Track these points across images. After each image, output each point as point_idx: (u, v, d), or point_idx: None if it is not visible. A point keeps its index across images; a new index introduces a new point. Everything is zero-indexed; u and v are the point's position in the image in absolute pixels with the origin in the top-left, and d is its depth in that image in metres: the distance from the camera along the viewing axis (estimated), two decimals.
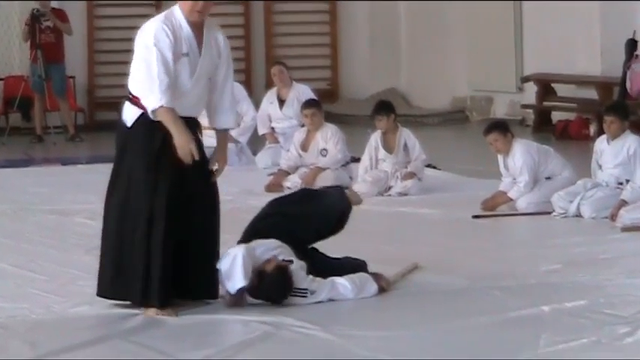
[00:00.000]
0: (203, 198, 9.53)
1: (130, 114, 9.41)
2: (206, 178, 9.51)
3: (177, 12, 9.39)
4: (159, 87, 9.17)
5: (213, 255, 9.54)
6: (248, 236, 9.74)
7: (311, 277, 9.50)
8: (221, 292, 9.52)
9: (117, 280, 9.44)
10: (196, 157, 9.21)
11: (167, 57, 9.22)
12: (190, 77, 9.35)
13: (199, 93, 9.47)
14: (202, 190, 9.51)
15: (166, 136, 9.25)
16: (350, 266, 9.83)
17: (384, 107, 15.35)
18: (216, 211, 9.61)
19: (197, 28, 9.44)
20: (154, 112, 9.19)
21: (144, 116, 9.31)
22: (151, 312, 9.31)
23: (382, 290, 9.67)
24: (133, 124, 9.40)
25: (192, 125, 9.39)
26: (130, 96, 9.44)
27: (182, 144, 9.25)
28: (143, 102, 9.27)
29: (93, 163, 18.66)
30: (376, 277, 9.74)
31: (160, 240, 9.28)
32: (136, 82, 9.38)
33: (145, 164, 9.34)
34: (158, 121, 9.25)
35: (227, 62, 9.67)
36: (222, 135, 9.76)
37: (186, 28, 9.36)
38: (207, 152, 9.54)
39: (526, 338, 8.47)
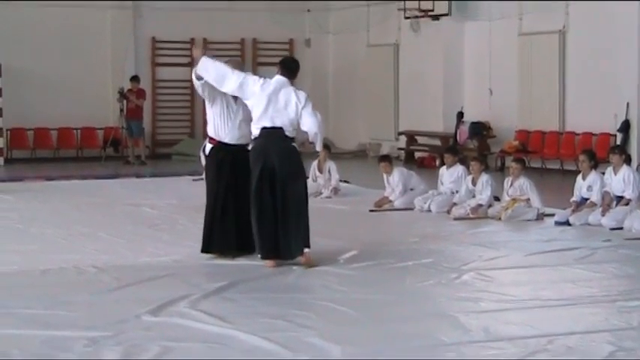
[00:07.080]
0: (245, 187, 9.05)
1: (208, 149, 9.32)
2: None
3: None
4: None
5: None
6: None
7: None
8: None
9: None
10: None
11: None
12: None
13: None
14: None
15: (223, 157, 9.16)
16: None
17: (324, 146, 15.06)
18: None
19: None
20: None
21: (213, 149, 9.24)
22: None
23: None
24: (209, 153, 9.29)
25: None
26: (209, 138, 9.36)
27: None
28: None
29: (153, 177, 18.54)
30: None
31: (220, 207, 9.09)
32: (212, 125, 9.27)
33: (214, 172, 9.18)
34: (218, 150, 9.17)
35: None
36: None
37: None
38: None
39: (397, 279, 8.43)
